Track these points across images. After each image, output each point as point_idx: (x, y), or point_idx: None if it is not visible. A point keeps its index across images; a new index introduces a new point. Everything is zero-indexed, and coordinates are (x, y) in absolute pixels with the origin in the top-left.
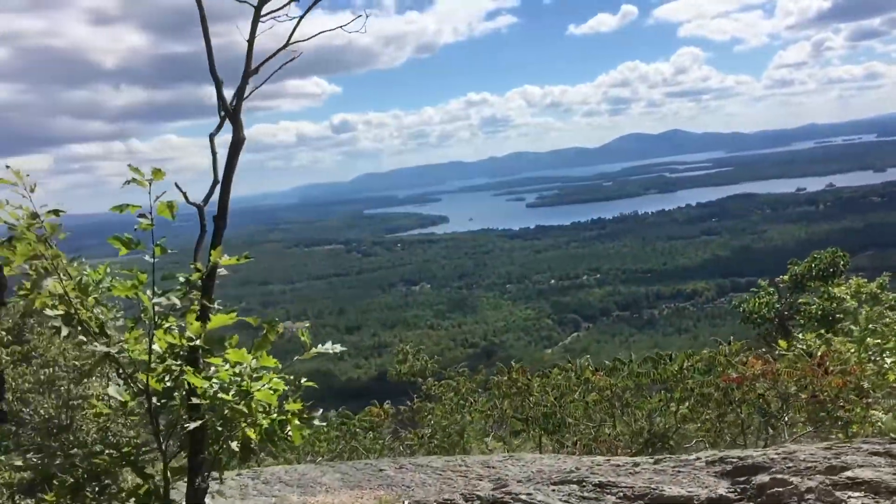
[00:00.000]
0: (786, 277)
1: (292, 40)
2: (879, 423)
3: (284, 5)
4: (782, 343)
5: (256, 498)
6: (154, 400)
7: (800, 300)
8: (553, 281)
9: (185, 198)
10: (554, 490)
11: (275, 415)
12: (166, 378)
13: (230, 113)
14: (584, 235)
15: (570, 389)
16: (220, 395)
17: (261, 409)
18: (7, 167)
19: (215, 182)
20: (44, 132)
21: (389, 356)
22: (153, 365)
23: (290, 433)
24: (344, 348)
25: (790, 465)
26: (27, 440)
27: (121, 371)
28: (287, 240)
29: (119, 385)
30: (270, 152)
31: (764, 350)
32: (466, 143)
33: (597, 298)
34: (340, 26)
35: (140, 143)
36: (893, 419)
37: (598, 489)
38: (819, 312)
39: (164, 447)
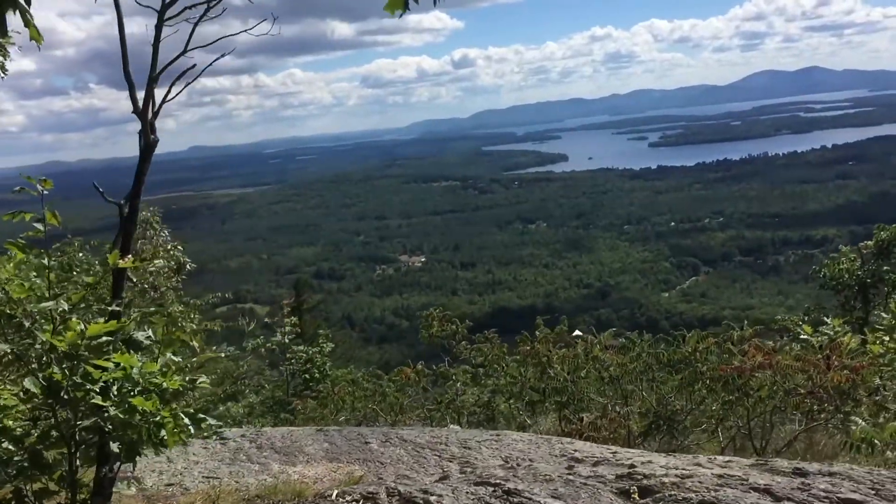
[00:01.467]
0: (870, 243)
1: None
2: (856, 430)
3: (184, 9)
4: (807, 329)
5: (243, 464)
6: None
7: (884, 268)
8: (673, 223)
9: (104, 196)
10: (468, 492)
11: (157, 418)
12: (76, 374)
13: (140, 115)
14: (708, 177)
15: (582, 365)
16: (94, 400)
17: (140, 413)
18: None
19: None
20: (177, 64)
21: (503, 293)
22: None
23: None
24: (238, 352)
25: (673, 493)
26: None
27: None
28: (404, 175)
29: (37, 377)
30: (390, 87)
31: (779, 337)
32: (588, 80)
33: (718, 242)
34: (246, 30)
35: (266, 77)
36: (873, 428)
37: (505, 497)
38: None
39: (69, 439)
